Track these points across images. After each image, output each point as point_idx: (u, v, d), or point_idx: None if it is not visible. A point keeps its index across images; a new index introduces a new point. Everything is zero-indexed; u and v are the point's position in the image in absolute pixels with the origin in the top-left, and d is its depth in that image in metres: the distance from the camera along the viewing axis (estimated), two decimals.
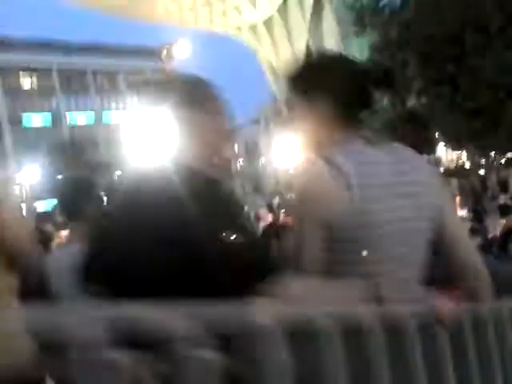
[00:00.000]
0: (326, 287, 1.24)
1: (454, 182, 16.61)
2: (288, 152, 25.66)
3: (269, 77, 36.69)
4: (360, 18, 18.97)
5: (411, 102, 20.05)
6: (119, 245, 1.25)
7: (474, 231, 7.85)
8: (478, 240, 7.02)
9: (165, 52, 25.92)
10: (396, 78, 18.65)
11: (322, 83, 1.50)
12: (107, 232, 1.39)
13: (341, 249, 1.39)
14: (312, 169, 1.42)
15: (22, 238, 1.89)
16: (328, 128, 1.49)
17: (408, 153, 1.54)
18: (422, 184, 1.48)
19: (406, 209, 1.42)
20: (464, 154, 27.28)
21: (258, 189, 53.69)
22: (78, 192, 2.68)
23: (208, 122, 1.39)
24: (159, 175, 1.37)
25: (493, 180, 18.55)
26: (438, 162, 29.38)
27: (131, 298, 0.62)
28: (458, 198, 10.42)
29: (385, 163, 1.44)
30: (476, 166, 24.81)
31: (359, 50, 24.26)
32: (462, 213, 10.09)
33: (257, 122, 74.19)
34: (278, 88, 36.82)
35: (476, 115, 15.54)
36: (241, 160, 56.57)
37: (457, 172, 24.22)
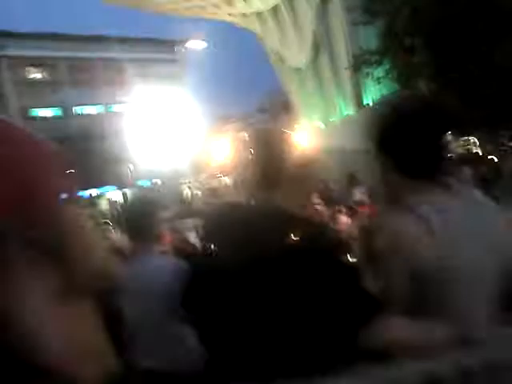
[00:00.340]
0: (414, 328, 1.42)
1: (467, 169, 16.40)
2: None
3: (275, 64, 36.43)
4: (370, 6, 18.74)
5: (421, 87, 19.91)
6: (229, 278, 1.42)
7: None
8: None
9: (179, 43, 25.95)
10: (405, 64, 18.60)
11: (405, 143, 1.68)
12: (214, 265, 1.55)
13: (426, 291, 1.56)
14: (396, 218, 1.61)
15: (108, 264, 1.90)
16: (410, 179, 1.68)
17: (478, 194, 1.76)
18: (491, 224, 1.65)
19: (482, 249, 1.58)
20: (471, 140, 27.02)
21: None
22: (145, 216, 2.92)
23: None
24: (267, 218, 1.57)
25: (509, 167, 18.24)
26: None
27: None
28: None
29: (460, 208, 1.63)
30: (488, 153, 24.57)
31: (366, 38, 24.03)
32: None
33: (264, 111, 74.18)
34: (282, 75, 36.62)
35: (487, 102, 15.34)
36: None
37: (472, 159, 24.02)
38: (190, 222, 19.80)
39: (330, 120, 32.32)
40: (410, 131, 1.68)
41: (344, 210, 12.60)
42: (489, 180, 18.47)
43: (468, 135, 24.52)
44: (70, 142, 51.11)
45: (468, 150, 26.94)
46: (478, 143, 25.62)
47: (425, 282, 1.53)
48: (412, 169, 1.69)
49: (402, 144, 1.68)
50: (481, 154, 26.36)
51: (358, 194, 17.95)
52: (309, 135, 34.40)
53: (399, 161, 1.69)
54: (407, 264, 1.53)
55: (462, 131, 23.32)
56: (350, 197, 20.36)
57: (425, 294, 1.54)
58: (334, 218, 12.35)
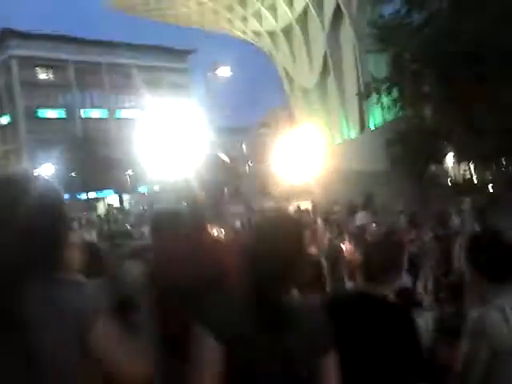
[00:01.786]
0: None
1: (467, 201, 16.90)
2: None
3: (284, 82, 37.09)
4: (381, 35, 19.36)
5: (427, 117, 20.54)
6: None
7: None
8: None
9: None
10: (412, 94, 19.19)
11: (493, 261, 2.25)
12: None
13: (500, 365, 2.09)
14: (481, 309, 2.13)
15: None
16: (492, 282, 2.26)
17: None
18: None
19: None
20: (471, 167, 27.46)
21: (264, 190, 54.19)
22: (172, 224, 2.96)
23: None
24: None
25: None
26: (444, 175, 29.72)
27: None
28: None
29: None
30: (485, 183, 24.96)
31: (376, 66, 24.71)
32: None
33: (267, 125, 74.80)
34: (291, 94, 37.24)
35: (491, 137, 15.90)
36: (249, 161, 56.94)
37: (466, 188, 24.45)
38: None
39: (334, 140, 32.91)
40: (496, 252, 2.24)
41: (347, 237, 12.93)
42: (486, 210, 18.96)
43: (469, 163, 24.97)
44: (73, 144, 51.67)
45: (464, 176, 27.45)
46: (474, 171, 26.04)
47: (502, 361, 2.05)
48: (495, 277, 2.23)
49: (490, 262, 2.24)
50: (475, 181, 26.96)
51: (361, 219, 18.16)
52: (313, 153, 34.96)
53: (487, 272, 2.25)
54: (487, 346, 2.05)
55: (463, 158, 23.92)
56: (352, 222, 20.47)
57: (499, 368, 2.08)
58: (337, 240, 12.66)
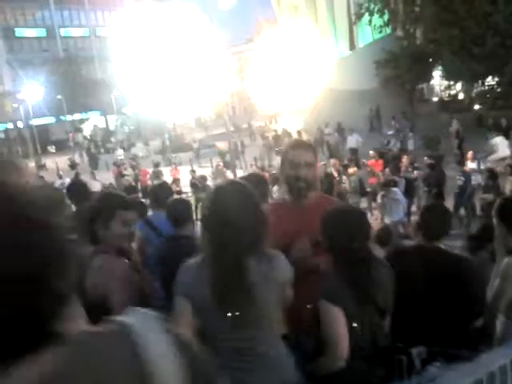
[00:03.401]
0: None
1: (455, 122, 17.57)
2: None
3: None
4: None
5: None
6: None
7: (487, 188, 8.99)
8: (490, 197, 8.18)
9: None
10: (406, 15, 19.34)
11: None
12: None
13: None
14: (507, 258, 2.49)
15: None
16: None
17: None
18: None
19: None
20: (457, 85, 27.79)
21: (251, 108, 54.21)
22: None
23: None
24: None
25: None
26: (432, 93, 30.16)
27: None
28: (470, 153, 11.20)
29: None
30: (471, 99, 25.45)
31: None
32: (473, 165, 10.96)
33: (251, 41, 73.17)
34: (279, 10, 36.54)
35: (481, 60, 16.32)
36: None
37: (453, 105, 24.96)
38: None
39: (323, 59, 32.81)
40: None
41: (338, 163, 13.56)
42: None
43: (456, 81, 25.30)
44: (56, 64, 50.53)
45: (450, 94, 27.92)
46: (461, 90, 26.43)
47: None
48: None
49: None
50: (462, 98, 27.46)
51: (352, 142, 18.69)
52: (302, 72, 34.90)
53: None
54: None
55: (451, 77, 24.30)
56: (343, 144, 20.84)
57: None
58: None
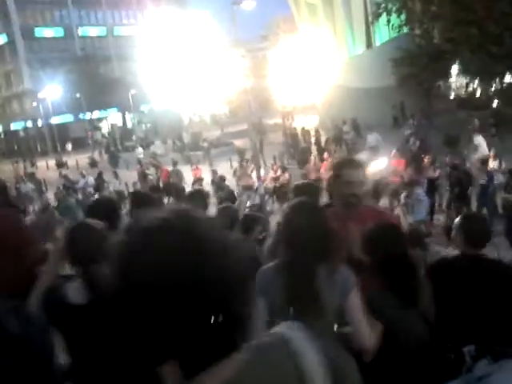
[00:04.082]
0: None
1: (476, 121, 17.68)
2: None
3: None
4: None
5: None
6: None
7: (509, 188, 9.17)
8: None
9: None
10: (423, 14, 19.40)
11: None
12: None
13: None
14: None
15: None
16: None
17: None
18: None
19: None
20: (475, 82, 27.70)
21: (266, 106, 54.42)
22: None
23: None
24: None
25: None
26: (449, 90, 30.10)
27: None
28: (492, 152, 11.42)
29: None
30: (488, 98, 25.42)
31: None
32: (494, 164, 11.16)
33: (266, 38, 73.43)
34: (295, 7, 36.55)
35: (499, 59, 16.40)
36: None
37: (470, 102, 24.97)
38: None
39: (340, 57, 32.89)
40: None
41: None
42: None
43: (474, 78, 25.24)
44: (74, 63, 51.22)
45: (467, 91, 27.88)
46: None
47: None
48: None
49: None
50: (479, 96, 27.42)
51: (372, 141, 18.85)
52: (318, 69, 35.04)
53: None
54: None
55: (469, 74, 24.31)
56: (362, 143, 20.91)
57: None
58: None
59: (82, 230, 2.34)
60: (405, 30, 22.63)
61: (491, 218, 9.97)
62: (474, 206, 10.33)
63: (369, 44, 29.65)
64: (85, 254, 2.24)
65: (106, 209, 3.16)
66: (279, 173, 14.69)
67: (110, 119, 57.36)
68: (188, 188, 17.25)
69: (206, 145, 28.92)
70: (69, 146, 47.46)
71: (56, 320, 2.23)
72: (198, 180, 15.58)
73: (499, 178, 10.15)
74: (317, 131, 24.35)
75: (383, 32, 28.97)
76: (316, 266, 2.15)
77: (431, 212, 10.16)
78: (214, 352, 0.89)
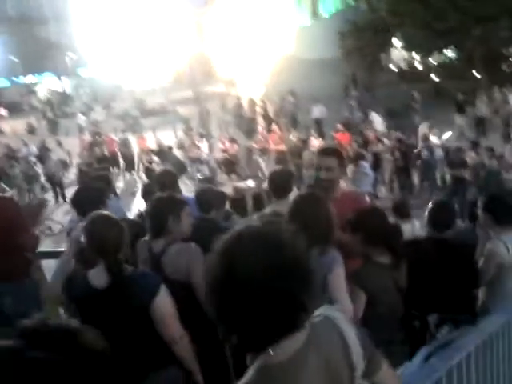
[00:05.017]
0: None
1: (417, 95, 18.25)
2: None
3: None
4: None
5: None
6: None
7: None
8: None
9: None
10: None
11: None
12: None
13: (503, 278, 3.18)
14: (495, 245, 3.17)
15: None
16: (499, 225, 3.29)
17: None
18: None
19: None
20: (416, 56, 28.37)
21: (209, 72, 53.46)
22: None
23: None
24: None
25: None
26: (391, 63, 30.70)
27: None
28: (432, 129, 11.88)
29: None
30: (428, 70, 26.11)
31: None
32: (434, 139, 11.60)
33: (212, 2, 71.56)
34: None
35: (442, 35, 16.86)
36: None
37: (412, 75, 25.62)
38: None
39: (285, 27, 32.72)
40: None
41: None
42: None
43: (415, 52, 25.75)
44: (8, 23, 48.41)
45: (409, 64, 28.59)
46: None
47: (504, 273, 3.08)
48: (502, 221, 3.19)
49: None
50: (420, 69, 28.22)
51: (316, 112, 19.13)
52: (264, 38, 34.62)
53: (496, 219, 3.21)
54: (496, 264, 3.07)
55: (410, 48, 24.81)
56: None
57: (502, 280, 3.09)
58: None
59: (100, 223, 2.52)
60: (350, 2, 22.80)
61: (432, 190, 10.48)
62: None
63: (314, 14, 29.69)
64: (103, 245, 2.43)
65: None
66: (228, 144, 14.65)
67: (47, 84, 54.99)
68: (136, 159, 16.96)
69: (135, 113, 28.04)
70: (3, 111, 45.26)
71: (79, 303, 2.44)
72: (148, 152, 15.30)
73: (439, 153, 10.60)
74: (263, 101, 24.31)
75: (328, 4, 29.08)
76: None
77: (374, 185, 10.50)
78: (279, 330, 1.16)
